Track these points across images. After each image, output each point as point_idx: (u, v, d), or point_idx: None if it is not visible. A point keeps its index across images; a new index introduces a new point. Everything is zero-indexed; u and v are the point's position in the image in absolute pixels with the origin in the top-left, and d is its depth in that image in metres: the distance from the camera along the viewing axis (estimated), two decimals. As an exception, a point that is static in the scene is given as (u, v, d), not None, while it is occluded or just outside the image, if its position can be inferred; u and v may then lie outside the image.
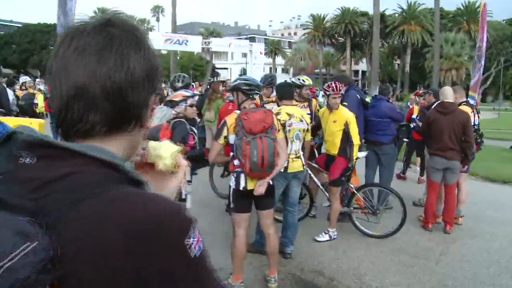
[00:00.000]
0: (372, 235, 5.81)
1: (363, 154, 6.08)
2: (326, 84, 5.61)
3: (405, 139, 9.79)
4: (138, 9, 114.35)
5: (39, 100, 11.18)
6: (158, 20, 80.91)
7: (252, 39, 53.66)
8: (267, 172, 3.97)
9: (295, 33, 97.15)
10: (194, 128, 4.59)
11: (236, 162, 4.00)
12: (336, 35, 65.68)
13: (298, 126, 4.98)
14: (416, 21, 56.19)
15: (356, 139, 5.44)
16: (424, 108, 8.08)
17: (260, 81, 7.44)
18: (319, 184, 5.99)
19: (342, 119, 5.49)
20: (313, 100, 6.70)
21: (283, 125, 4.84)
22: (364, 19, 60.66)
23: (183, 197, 4.51)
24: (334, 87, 5.46)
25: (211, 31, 62.88)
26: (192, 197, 4.88)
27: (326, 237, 5.67)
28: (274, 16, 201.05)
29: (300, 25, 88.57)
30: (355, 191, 5.88)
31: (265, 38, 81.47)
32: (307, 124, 5.10)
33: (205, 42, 25.95)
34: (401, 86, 56.87)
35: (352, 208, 5.94)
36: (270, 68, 73.32)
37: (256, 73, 23.28)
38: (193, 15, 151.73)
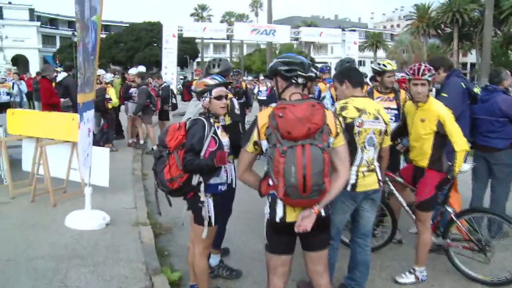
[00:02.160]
0: (479, 280, 4.17)
1: (467, 166, 4.33)
2: (408, 67, 4.07)
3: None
4: (237, 4, 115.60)
5: (111, 94, 10.65)
6: (257, 15, 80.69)
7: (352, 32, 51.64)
8: (312, 199, 2.58)
9: (398, 25, 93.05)
10: (217, 129, 3.35)
11: (270, 181, 2.70)
12: (442, 25, 60.83)
13: (372, 126, 3.50)
14: (540, 2, 49.55)
15: (459, 144, 3.78)
16: None
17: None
18: (404, 204, 4.43)
19: (432, 117, 3.89)
20: (401, 91, 5.14)
21: (350, 125, 3.44)
22: (475, 6, 55.18)
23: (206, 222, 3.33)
24: (416, 69, 3.91)
25: (309, 24, 61.40)
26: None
27: (411, 279, 4.15)
28: (376, 8, 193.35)
29: (403, 16, 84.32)
30: (454, 217, 4.23)
31: (366, 31, 78.68)
32: (385, 124, 3.60)
33: (294, 32, 24.56)
34: (519, 79, 50.89)
35: (449, 240, 4.33)
36: (371, 62, 70.43)
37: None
38: (293, 10, 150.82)
